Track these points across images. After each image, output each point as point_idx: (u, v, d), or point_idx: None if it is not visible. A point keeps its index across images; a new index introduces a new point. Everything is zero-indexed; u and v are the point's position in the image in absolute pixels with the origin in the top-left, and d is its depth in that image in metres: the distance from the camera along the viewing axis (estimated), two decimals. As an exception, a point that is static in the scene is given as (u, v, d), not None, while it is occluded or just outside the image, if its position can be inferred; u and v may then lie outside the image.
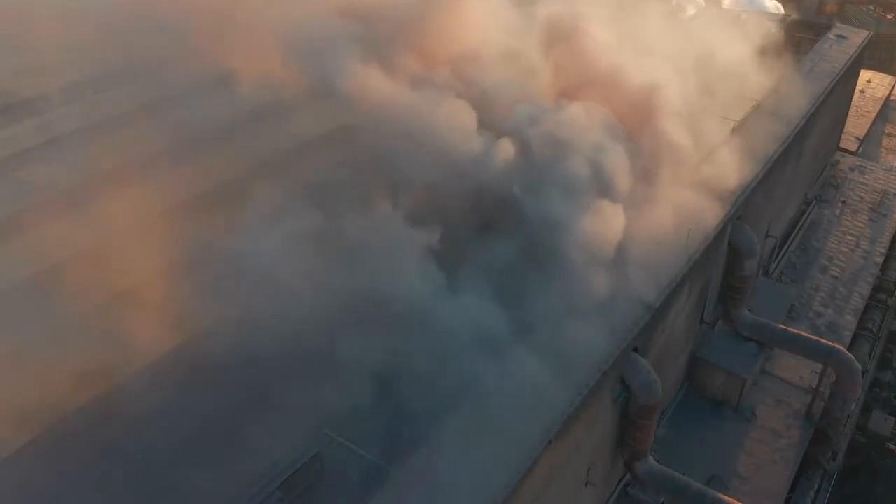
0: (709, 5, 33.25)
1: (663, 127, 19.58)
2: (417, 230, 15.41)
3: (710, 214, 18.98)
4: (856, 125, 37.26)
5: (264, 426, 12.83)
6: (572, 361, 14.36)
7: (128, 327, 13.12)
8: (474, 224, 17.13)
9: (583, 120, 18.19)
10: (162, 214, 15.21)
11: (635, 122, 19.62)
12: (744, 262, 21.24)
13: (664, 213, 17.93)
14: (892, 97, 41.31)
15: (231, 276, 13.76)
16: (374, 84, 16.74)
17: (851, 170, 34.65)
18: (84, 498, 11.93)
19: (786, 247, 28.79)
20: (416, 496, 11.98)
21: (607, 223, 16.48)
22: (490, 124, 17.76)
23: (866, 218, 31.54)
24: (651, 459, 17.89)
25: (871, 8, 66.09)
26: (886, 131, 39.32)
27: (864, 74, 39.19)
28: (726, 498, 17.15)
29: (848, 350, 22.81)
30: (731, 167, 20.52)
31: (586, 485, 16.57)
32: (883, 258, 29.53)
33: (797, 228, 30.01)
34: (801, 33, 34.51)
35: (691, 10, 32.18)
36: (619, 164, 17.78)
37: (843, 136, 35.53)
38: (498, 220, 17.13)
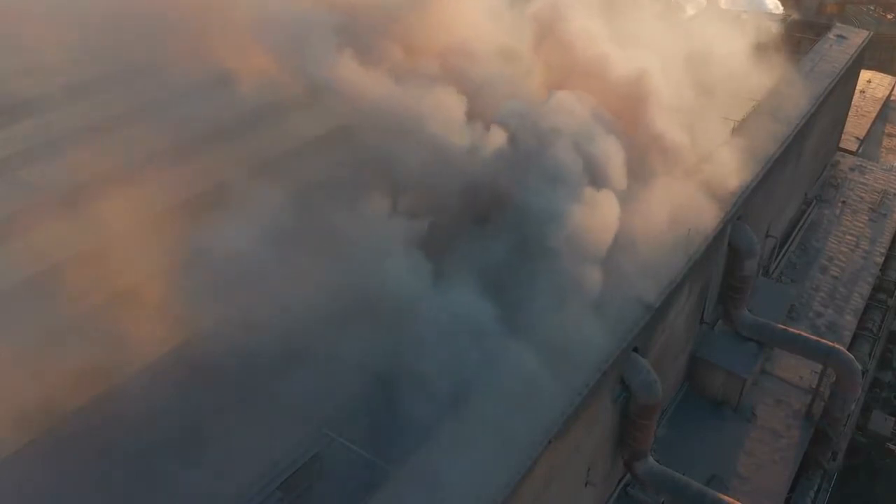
0: (709, 5, 33.23)
1: (653, 118, 19.52)
2: (418, 231, 15.41)
3: (710, 214, 19.00)
4: (856, 125, 37.27)
5: (264, 426, 12.83)
6: (572, 361, 14.36)
7: (127, 328, 13.11)
8: (470, 220, 17.08)
9: (574, 109, 18.12)
10: (161, 214, 15.19)
11: (627, 115, 19.51)
12: (744, 262, 21.25)
13: (664, 213, 17.91)
14: (893, 97, 41.33)
15: (231, 277, 13.73)
16: (351, 74, 16.58)
17: (851, 170, 34.66)
18: (84, 498, 11.91)
19: (786, 247, 28.80)
20: (415, 496, 11.97)
21: (604, 216, 16.43)
22: (480, 116, 17.62)
23: (866, 218, 31.55)
24: (651, 459, 17.89)
25: (871, 8, 66.12)
26: (886, 131, 39.34)
27: (864, 74, 39.20)
28: (726, 498, 17.16)
29: (848, 350, 22.83)
30: (731, 167, 20.53)
31: (586, 485, 16.57)
32: (883, 258, 29.55)
33: (797, 228, 30.01)
34: (801, 33, 34.54)
35: (691, 10, 32.18)
36: (613, 157, 17.68)
37: (843, 136, 35.54)
38: (494, 216, 17.08)
